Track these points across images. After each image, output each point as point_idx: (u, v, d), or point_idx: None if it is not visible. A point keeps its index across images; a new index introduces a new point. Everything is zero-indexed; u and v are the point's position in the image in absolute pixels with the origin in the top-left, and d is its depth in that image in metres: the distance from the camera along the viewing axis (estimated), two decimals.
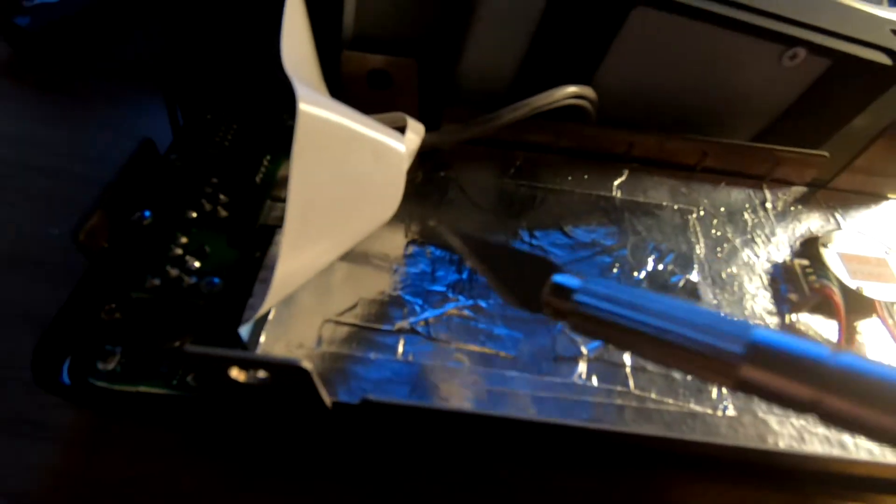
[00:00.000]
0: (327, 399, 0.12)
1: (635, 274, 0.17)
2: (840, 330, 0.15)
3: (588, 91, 0.17)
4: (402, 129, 0.15)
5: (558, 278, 0.12)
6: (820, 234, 0.18)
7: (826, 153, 0.19)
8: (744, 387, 0.10)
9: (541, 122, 0.19)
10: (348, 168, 0.13)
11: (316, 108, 0.12)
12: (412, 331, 0.15)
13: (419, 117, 0.17)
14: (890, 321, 0.16)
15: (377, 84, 0.18)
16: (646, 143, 0.20)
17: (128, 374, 0.13)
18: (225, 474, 0.14)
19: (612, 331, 0.11)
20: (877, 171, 0.19)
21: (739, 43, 0.18)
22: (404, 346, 0.14)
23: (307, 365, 0.10)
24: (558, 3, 0.17)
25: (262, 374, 0.11)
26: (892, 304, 0.16)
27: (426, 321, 0.15)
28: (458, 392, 0.14)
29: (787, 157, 0.20)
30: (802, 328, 0.16)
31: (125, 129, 0.24)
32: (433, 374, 0.14)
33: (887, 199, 0.20)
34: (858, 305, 0.16)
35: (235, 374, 0.11)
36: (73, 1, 0.25)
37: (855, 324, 0.17)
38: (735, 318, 0.11)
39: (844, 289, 0.16)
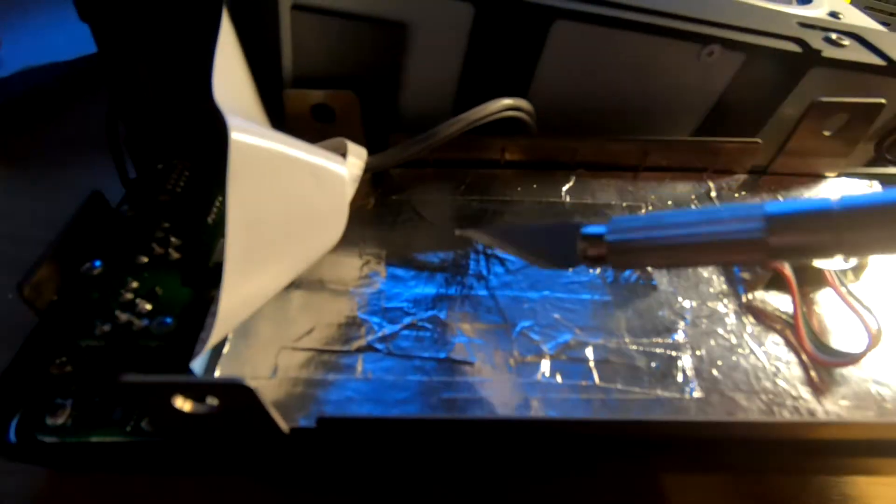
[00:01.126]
0: (282, 422, 0.12)
1: (591, 270, 0.17)
2: (794, 302, 0.16)
3: (523, 103, 0.18)
4: (345, 156, 0.16)
5: (587, 230, 0.13)
6: None
7: (759, 140, 0.20)
8: (776, 254, 0.11)
9: (486, 138, 0.20)
10: (287, 193, 0.13)
11: (247, 135, 0.12)
12: (370, 348, 0.14)
13: (366, 146, 0.17)
14: (842, 289, 0.16)
15: (322, 118, 0.19)
16: (589, 148, 0.20)
17: (79, 426, 0.13)
18: None
19: (647, 254, 0.12)
20: (809, 153, 0.20)
21: (658, 45, 0.19)
22: (363, 364, 0.14)
23: (250, 383, 0.10)
24: (484, 26, 0.18)
25: (211, 401, 0.11)
26: (843, 272, 0.17)
27: (384, 337, 0.15)
28: (421, 403, 0.13)
29: (723, 148, 0.20)
30: (759, 305, 0.16)
31: (82, 191, 0.24)
32: (394, 388, 0.14)
33: (825, 177, 0.21)
34: (810, 277, 0.17)
35: (180, 403, 0.11)
36: (20, 80, 0.25)
37: (811, 295, 0.17)
38: (747, 204, 0.12)
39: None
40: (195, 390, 0.10)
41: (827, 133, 0.20)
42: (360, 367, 0.14)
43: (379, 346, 0.14)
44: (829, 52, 0.19)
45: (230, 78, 0.14)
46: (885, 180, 0.21)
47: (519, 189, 0.20)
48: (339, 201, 0.15)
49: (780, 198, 0.20)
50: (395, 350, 0.14)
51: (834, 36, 0.20)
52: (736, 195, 0.20)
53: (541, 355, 0.15)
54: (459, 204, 0.19)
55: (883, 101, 0.19)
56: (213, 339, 0.13)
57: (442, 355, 0.14)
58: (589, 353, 0.15)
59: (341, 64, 0.18)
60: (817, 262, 0.17)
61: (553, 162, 0.20)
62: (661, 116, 0.21)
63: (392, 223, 0.18)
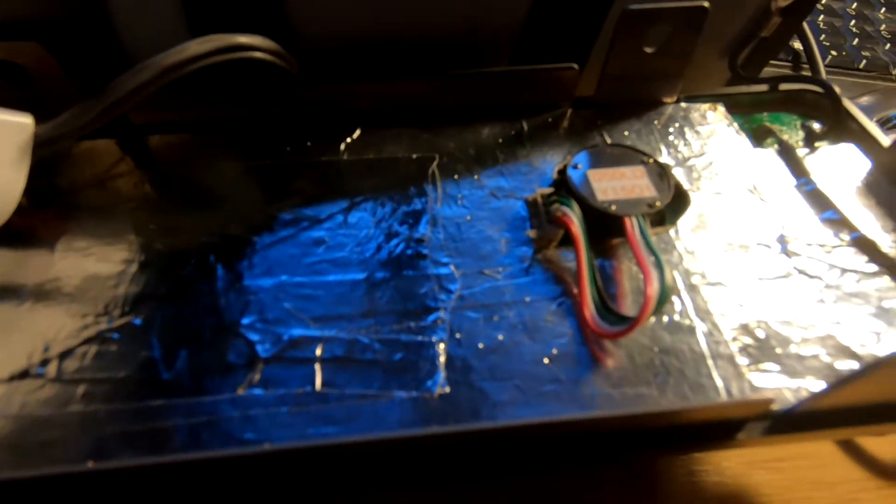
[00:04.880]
0: None
1: (348, 242, 0.14)
2: (579, 264, 0.13)
3: (259, 40, 0.14)
4: None
5: None
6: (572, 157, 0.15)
7: (574, 64, 0.17)
8: None
9: (241, 94, 0.16)
10: None
11: None
12: (25, 375, 0.11)
13: None
14: (640, 242, 0.13)
15: (16, 81, 0.15)
16: (376, 91, 0.17)
17: None
18: None
19: None
20: (636, 75, 0.17)
21: None
22: (13, 398, 0.11)
23: None
24: None
25: None
26: (647, 217, 0.14)
27: (47, 360, 0.12)
28: (69, 445, 0.10)
29: (537, 77, 0.17)
30: (549, 267, 0.14)
31: None
32: (43, 427, 0.11)
33: (663, 103, 0.18)
34: (610, 226, 0.14)
35: None
36: None
37: (618, 249, 0.14)
38: None
39: (592, 211, 0.14)
40: None
41: (650, 49, 0.17)
42: (4, 403, 0.11)
43: (39, 370, 0.11)
44: None
45: None
46: (731, 101, 0.19)
47: (288, 149, 0.16)
48: None
49: (606, 135, 0.17)
50: (59, 374, 0.11)
51: None
52: (553, 134, 0.17)
53: (253, 361, 0.12)
54: (205, 176, 0.16)
55: (706, 3, 0.16)
56: None
57: (122, 374, 0.11)
58: (318, 350, 0.12)
59: (16, 5, 0.14)
60: (621, 209, 0.14)
61: (333, 112, 0.17)
62: (467, 49, 0.17)
63: (114, 205, 0.15)
